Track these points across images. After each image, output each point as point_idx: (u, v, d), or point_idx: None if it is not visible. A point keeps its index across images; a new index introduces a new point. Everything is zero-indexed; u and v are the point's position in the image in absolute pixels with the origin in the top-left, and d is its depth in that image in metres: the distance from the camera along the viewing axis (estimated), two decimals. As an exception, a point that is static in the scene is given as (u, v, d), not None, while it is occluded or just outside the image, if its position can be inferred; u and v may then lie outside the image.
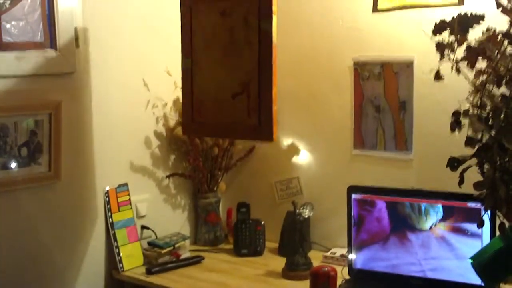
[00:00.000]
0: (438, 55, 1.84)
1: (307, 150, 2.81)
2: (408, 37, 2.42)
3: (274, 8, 2.24)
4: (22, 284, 2.34)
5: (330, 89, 2.69)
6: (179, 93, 2.82)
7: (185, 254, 2.74)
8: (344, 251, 2.51)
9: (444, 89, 2.21)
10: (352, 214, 2.31)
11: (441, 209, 2.17)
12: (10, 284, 2.30)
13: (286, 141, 2.86)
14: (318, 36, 2.69)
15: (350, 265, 2.32)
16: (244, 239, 2.77)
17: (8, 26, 2.25)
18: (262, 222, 2.78)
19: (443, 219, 2.17)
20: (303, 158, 2.82)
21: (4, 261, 2.28)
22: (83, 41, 2.47)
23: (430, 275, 2.18)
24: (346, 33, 2.60)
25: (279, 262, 2.57)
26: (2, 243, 2.27)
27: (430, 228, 2.18)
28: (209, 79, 2.43)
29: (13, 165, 2.29)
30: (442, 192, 2.17)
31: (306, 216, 2.57)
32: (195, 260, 2.69)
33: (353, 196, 2.31)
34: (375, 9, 2.49)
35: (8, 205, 2.29)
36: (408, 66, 2.43)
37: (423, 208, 2.19)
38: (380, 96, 2.52)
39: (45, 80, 2.38)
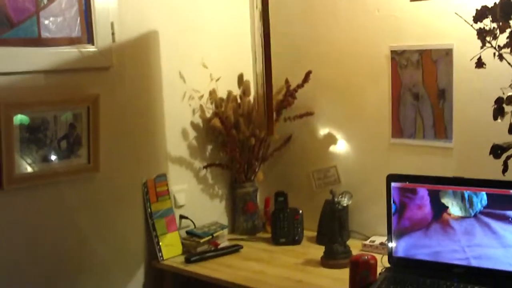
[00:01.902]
0: (478, 42, 1.82)
1: (344, 139, 2.80)
2: (447, 25, 2.38)
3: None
4: (63, 275, 2.39)
5: (367, 78, 2.67)
6: (214, 85, 2.84)
7: (224, 243, 2.76)
8: (383, 239, 2.50)
9: (484, 77, 2.17)
10: (393, 201, 2.29)
11: (485, 197, 2.13)
12: (51, 274, 2.35)
13: (323, 131, 2.85)
14: (355, 26, 2.67)
15: (390, 253, 2.30)
16: (282, 228, 2.77)
17: (46, 22, 2.28)
18: (300, 211, 2.78)
19: (487, 206, 2.13)
20: (341, 147, 2.81)
21: (46, 252, 2.33)
22: (119, 35, 2.49)
23: (475, 263, 2.14)
24: (383, 22, 2.57)
25: (318, 251, 2.57)
26: (44, 234, 2.32)
27: (474, 215, 2.15)
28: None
29: (54, 157, 2.33)
30: (485, 180, 2.13)
31: (345, 205, 2.56)
32: (234, 249, 2.70)
33: (393, 184, 2.29)
34: (413, -3, 2.47)
35: (49, 197, 2.33)
36: (447, 53, 2.39)
37: (466, 196, 2.16)
38: (419, 84, 2.49)
39: (83, 75, 2.41)
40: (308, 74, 2.77)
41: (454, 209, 2.19)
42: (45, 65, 2.28)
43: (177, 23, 2.73)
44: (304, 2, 2.81)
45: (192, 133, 2.83)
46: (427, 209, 2.24)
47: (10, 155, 2.16)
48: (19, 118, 2.18)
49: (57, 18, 2.31)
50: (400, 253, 2.29)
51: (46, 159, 2.30)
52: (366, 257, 2.16)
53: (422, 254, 2.25)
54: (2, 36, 2.16)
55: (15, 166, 2.19)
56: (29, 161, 2.24)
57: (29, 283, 2.29)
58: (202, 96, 2.84)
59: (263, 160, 2.96)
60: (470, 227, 2.16)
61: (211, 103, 2.86)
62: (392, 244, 2.29)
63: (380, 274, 2.22)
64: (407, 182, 2.28)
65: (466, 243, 2.17)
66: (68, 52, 2.34)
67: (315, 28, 2.81)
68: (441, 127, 2.47)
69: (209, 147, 2.91)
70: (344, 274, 2.26)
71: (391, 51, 2.56)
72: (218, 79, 2.83)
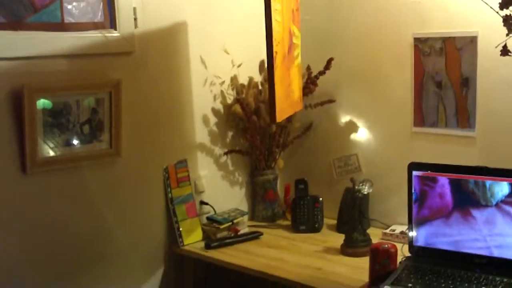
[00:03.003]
0: (504, 30, 1.79)
1: (365, 127, 2.79)
2: (471, 12, 2.35)
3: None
4: (84, 258, 2.41)
5: (390, 66, 2.65)
6: (236, 71, 2.84)
7: (243, 230, 2.77)
8: (403, 228, 2.49)
9: (509, 65, 2.14)
10: (414, 190, 2.27)
11: (507, 186, 2.11)
12: (72, 258, 2.38)
13: (344, 118, 2.84)
14: (378, 13, 2.65)
15: (410, 242, 2.29)
16: (302, 216, 2.77)
17: (69, 7, 2.29)
18: (320, 199, 2.78)
19: (509, 196, 2.10)
20: (362, 135, 2.80)
21: (68, 236, 2.35)
22: (141, 21, 2.49)
23: (496, 253, 2.12)
24: (406, 9, 2.55)
25: (338, 239, 2.57)
26: (66, 218, 2.34)
27: (496, 204, 2.13)
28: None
29: (76, 142, 2.34)
30: (508, 169, 2.10)
31: (365, 193, 2.55)
32: (253, 236, 2.71)
33: (414, 173, 2.27)
34: (437, -16, 2.43)
35: (71, 181, 2.35)
36: (471, 41, 2.36)
37: (487, 185, 2.14)
38: (442, 72, 2.47)
39: (105, 60, 2.42)
40: (330, 61, 2.76)
41: (476, 198, 2.17)
42: (67, 49, 2.29)
43: (199, 8, 2.72)
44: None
45: (213, 119, 2.83)
46: (448, 197, 2.22)
47: (33, 139, 2.18)
48: (42, 103, 2.20)
49: (80, 3, 2.31)
50: (421, 242, 2.28)
51: (68, 144, 2.32)
52: (386, 245, 2.15)
53: (443, 243, 2.24)
54: (26, 21, 2.18)
55: (38, 150, 2.21)
56: (51, 145, 2.26)
57: (50, 266, 2.31)
58: (223, 82, 2.84)
59: (283, 147, 2.96)
60: (492, 217, 2.14)
61: (232, 89, 2.86)
62: (412, 233, 2.28)
63: (400, 263, 2.21)
64: (429, 171, 2.26)
65: (487, 233, 2.15)
66: (90, 37, 2.35)
67: (337, 15, 2.79)
68: (464, 116, 2.44)
69: (230, 134, 2.92)
70: (364, 262, 2.26)
71: (414, 38, 2.53)
72: (239, 65, 2.83)
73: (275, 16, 2.22)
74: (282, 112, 2.38)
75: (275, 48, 2.23)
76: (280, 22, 2.30)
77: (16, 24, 2.15)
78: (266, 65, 2.89)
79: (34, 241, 2.25)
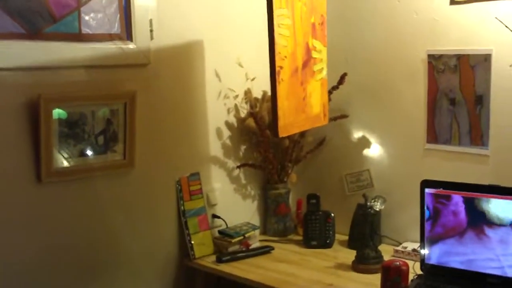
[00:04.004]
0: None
1: (378, 143, 2.78)
2: (486, 29, 2.35)
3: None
4: (96, 268, 2.42)
5: (403, 82, 2.65)
6: (250, 85, 2.85)
7: (255, 244, 2.76)
8: (415, 245, 2.47)
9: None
10: (426, 207, 2.27)
11: (521, 206, 2.10)
12: (84, 268, 2.38)
13: (357, 134, 2.84)
14: (392, 28, 2.65)
15: (422, 260, 2.28)
16: (314, 231, 2.77)
17: (87, 18, 2.31)
18: (332, 214, 2.77)
19: (524, 216, 2.10)
20: (374, 151, 2.80)
21: (80, 245, 2.36)
22: (157, 33, 2.51)
23: (510, 273, 2.10)
24: (421, 26, 2.55)
25: (349, 255, 2.56)
26: (79, 228, 2.35)
27: (510, 224, 2.12)
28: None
29: (90, 152, 2.36)
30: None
31: (378, 209, 2.55)
32: (265, 250, 2.71)
33: (427, 190, 2.27)
34: (452, 1, 2.43)
35: (85, 191, 2.36)
36: (485, 59, 2.36)
37: (502, 204, 2.12)
38: (456, 89, 2.46)
39: (121, 71, 2.43)
40: (343, 76, 2.76)
41: (490, 217, 2.16)
42: (84, 60, 2.31)
43: (214, 22, 2.74)
44: (340, 4, 2.80)
45: (226, 133, 2.84)
46: (461, 215, 2.21)
47: (49, 149, 2.20)
48: (57, 112, 2.22)
49: (97, 14, 2.34)
50: (433, 260, 2.26)
51: (83, 154, 2.33)
52: (398, 263, 2.14)
53: (455, 262, 2.23)
54: (44, 31, 2.20)
55: (53, 160, 2.23)
56: (66, 155, 2.27)
57: (62, 275, 2.32)
58: (237, 96, 2.85)
59: (296, 162, 2.96)
60: (506, 236, 2.13)
61: (246, 103, 2.87)
62: (424, 251, 2.27)
63: (412, 281, 2.20)
64: (442, 189, 2.25)
65: (501, 252, 2.14)
66: (107, 48, 2.37)
67: (351, 30, 2.80)
68: (477, 134, 2.43)
69: (243, 147, 2.92)
70: (375, 279, 2.25)
71: (428, 55, 2.53)
72: (253, 79, 2.84)
73: (280, 31, 2.24)
74: (289, 127, 2.37)
75: (279, 63, 2.25)
76: (290, 37, 2.31)
77: (34, 34, 2.18)
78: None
79: (46, 249, 2.26)
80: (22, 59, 2.14)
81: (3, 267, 2.16)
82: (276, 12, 2.20)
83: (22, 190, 2.19)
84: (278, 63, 2.23)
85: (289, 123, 2.36)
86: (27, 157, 2.18)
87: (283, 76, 2.28)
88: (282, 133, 2.33)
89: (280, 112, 2.27)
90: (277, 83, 2.24)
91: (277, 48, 2.23)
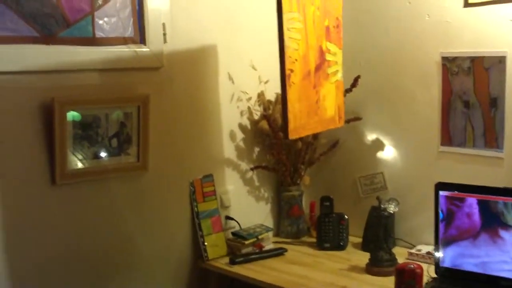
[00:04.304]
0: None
1: (392, 145, 2.77)
2: (500, 32, 2.33)
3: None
4: (109, 270, 2.43)
5: (416, 85, 2.64)
6: (263, 87, 2.85)
7: (268, 246, 2.77)
8: (430, 248, 2.47)
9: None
10: (441, 209, 2.26)
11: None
12: (97, 269, 2.40)
13: (370, 136, 2.84)
14: (405, 31, 2.65)
15: (437, 263, 2.27)
16: (327, 233, 2.76)
17: (100, 22, 2.33)
18: (346, 217, 2.77)
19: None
20: (388, 153, 2.79)
21: (93, 246, 2.38)
22: (170, 36, 2.52)
23: (524, 276, 2.10)
24: (434, 28, 2.54)
25: (363, 257, 2.55)
26: (92, 229, 2.37)
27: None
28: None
29: (104, 155, 2.37)
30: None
31: (392, 212, 2.54)
32: (278, 252, 2.71)
33: (441, 193, 2.26)
34: (466, 3, 2.42)
35: (98, 193, 2.38)
36: (500, 61, 2.34)
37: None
38: (470, 92, 2.45)
39: (134, 74, 2.45)
40: (357, 79, 2.76)
41: (504, 219, 2.14)
42: (98, 63, 2.33)
43: (227, 25, 2.75)
44: (353, 7, 2.79)
45: (239, 135, 2.85)
46: (475, 218, 2.20)
47: (63, 151, 2.22)
48: (72, 115, 2.23)
49: (111, 18, 2.35)
50: (447, 263, 2.25)
51: (96, 156, 2.35)
52: (412, 265, 2.13)
53: (470, 264, 2.22)
54: (58, 35, 2.22)
55: (67, 162, 2.24)
56: (80, 157, 2.29)
57: (75, 276, 2.33)
58: (250, 98, 2.85)
59: (309, 164, 2.96)
60: (521, 238, 2.12)
61: (259, 105, 2.88)
62: (439, 254, 2.26)
63: (426, 284, 2.19)
64: (456, 191, 2.24)
65: (516, 255, 2.13)
66: (120, 52, 2.38)
67: (364, 33, 2.80)
68: (492, 136, 2.42)
69: (256, 149, 2.93)
70: (389, 282, 2.24)
71: (442, 57, 2.52)
72: (266, 82, 2.84)
73: (290, 34, 2.25)
74: (300, 129, 2.38)
75: (290, 66, 2.26)
76: (301, 40, 2.31)
77: (48, 38, 2.20)
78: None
79: (60, 250, 2.28)
80: (36, 63, 2.17)
81: (18, 269, 2.18)
82: (286, 16, 2.22)
83: (36, 192, 2.21)
84: (288, 66, 2.24)
85: (300, 126, 2.36)
86: (42, 159, 2.20)
87: (294, 79, 2.28)
88: (293, 135, 2.34)
89: (290, 115, 2.28)
90: (287, 86, 2.25)
91: (287, 52, 2.24)
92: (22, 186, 2.17)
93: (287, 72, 2.24)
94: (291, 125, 2.30)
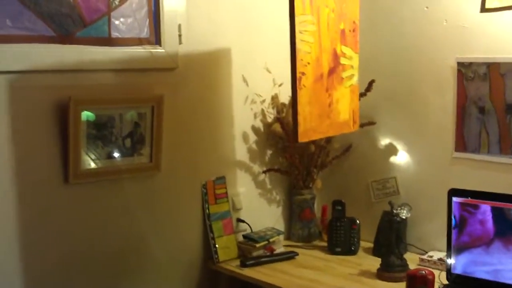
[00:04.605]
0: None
1: (405, 150, 2.76)
2: (517, 38, 2.33)
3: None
4: (120, 268, 2.44)
5: (431, 90, 2.63)
6: (277, 90, 2.85)
7: (279, 249, 2.76)
8: (441, 254, 2.45)
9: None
10: (453, 215, 2.24)
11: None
12: (109, 268, 2.41)
13: (384, 141, 2.83)
14: (420, 36, 2.63)
15: (448, 269, 2.26)
16: (339, 237, 2.75)
17: (117, 22, 2.34)
18: (358, 221, 2.76)
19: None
20: (401, 158, 2.78)
21: (105, 246, 2.39)
22: (185, 37, 2.53)
23: (537, 285, 2.09)
24: (450, 33, 2.53)
25: (374, 262, 2.54)
26: (105, 229, 2.38)
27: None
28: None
29: (117, 155, 2.38)
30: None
31: (404, 217, 2.52)
32: (289, 256, 2.70)
33: (454, 199, 2.25)
34: (483, 8, 2.41)
35: (111, 193, 2.39)
36: (516, 67, 2.33)
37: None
38: (485, 97, 2.43)
39: (149, 75, 2.46)
40: (371, 83, 2.75)
41: (518, 227, 2.13)
42: (113, 64, 2.34)
43: (242, 27, 2.75)
44: (369, 11, 2.78)
45: (252, 137, 2.85)
46: (489, 225, 2.19)
47: (77, 150, 2.23)
48: (86, 115, 2.24)
49: (127, 19, 2.36)
50: (459, 270, 2.24)
51: (110, 156, 2.36)
52: (424, 272, 2.13)
53: (482, 272, 2.20)
54: (75, 35, 2.23)
55: (81, 161, 2.25)
56: (93, 157, 2.30)
57: (87, 275, 2.34)
58: (264, 101, 2.85)
59: (322, 168, 2.95)
60: (534, 247, 2.10)
61: (273, 108, 2.88)
62: (451, 261, 2.25)
63: (437, 290, 2.18)
64: (469, 198, 2.23)
65: (529, 264, 2.11)
66: (136, 52, 2.39)
67: (379, 37, 2.79)
68: (507, 143, 2.40)
69: (269, 152, 2.92)
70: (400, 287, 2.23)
71: (458, 62, 2.51)
72: (280, 85, 2.84)
73: (302, 37, 2.24)
74: (310, 132, 2.37)
75: (301, 69, 2.25)
76: (314, 43, 2.31)
77: (65, 38, 2.21)
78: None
79: (73, 249, 2.30)
80: (52, 62, 2.18)
81: (30, 269, 2.19)
82: (298, 19, 2.21)
83: (49, 191, 2.22)
84: (299, 69, 2.24)
85: (310, 129, 2.35)
86: (55, 158, 2.22)
87: (305, 82, 2.28)
88: (302, 139, 2.33)
89: (300, 118, 2.27)
90: (298, 89, 2.24)
91: (299, 55, 2.23)
92: (35, 185, 2.19)
93: (298, 75, 2.24)
94: (301, 128, 2.29)
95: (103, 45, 2.31)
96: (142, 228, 2.48)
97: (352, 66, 2.56)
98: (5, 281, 2.16)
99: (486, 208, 2.19)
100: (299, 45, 2.23)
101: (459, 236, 2.24)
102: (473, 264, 2.22)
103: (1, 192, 2.12)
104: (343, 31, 2.49)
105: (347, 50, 2.52)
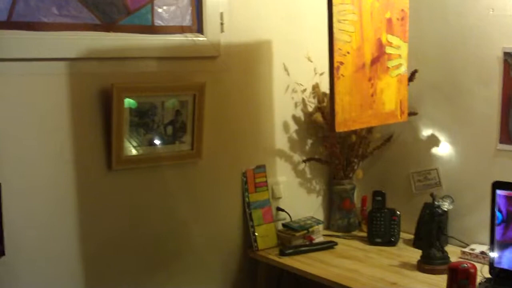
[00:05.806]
0: None
1: (448, 142, 2.72)
2: None
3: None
4: (161, 254, 2.48)
5: (475, 80, 2.58)
6: (318, 79, 2.83)
7: (318, 239, 2.75)
8: (484, 248, 2.42)
9: None
10: (499, 210, 2.20)
11: None
12: (149, 254, 2.44)
13: (426, 132, 2.79)
14: (465, 25, 2.58)
15: (492, 263, 2.22)
16: (379, 228, 2.73)
17: (160, 10, 2.35)
18: (398, 212, 2.73)
19: None
20: (443, 150, 2.74)
21: (146, 232, 2.42)
22: (227, 26, 2.53)
23: None
24: (496, 23, 2.47)
25: (414, 254, 2.52)
26: (146, 215, 2.41)
27: None
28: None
29: (159, 142, 2.40)
30: None
31: (446, 209, 2.49)
32: (328, 245, 2.70)
33: (498, 192, 2.21)
34: (532, -4, 2.36)
35: (153, 180, 2.42)
36: None
37: None
38: (532, 89, 2.39)
39: (191, 63, 2.47)
40: (414, 73, 2.71)
41: None
42: (155, 52, 2.36)
43: (284, 16, 2.74)
44: (413, 1, 2.74)
45: (293, 126, 2.84)
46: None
47: (120, 137, 2.25)
48: (128, 102, 2.26)
49: (170, 7, 2.37)
50: (503, 265, 2.20)
51: (151, 143, 2.38)
52: (466, 265, 2.09)
53: (527, 267, 2.16)
54: (119, 23, 2.26)
55: (124, 148, 2.28)
56: (135, 144, 2.33)
57: (128, 260, 2.38)
58: (305, 90, 2.84)
59: (362, 158, 2.93)
60: None
61: (314, 97, 2.86)
62: (494, 254, 2.21)
63: (480, 284, 2.15)
64: (515, 191, 2.19)
65: None
66: (178, 40, 2.41)
67: (423, 27, 2.74)
68: (553, 136, 2.36)
69: (309, 141, 2.91)
70: (441, 280, 2.21)
71: (504, 52, 2.46)
72: (322, 74, 2.82)
73: (341, 26, 2.23)
74: (349, 122, 2.35)
75: (339, 58, 2.24)
76: (355, 32, 2.29)
77: (109, 25, 2.24)
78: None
79: (115, 234, 2.34)
80: (97, 49, 2.21)
81: (73, 254, 2.25)
82: (336, 8, 2.20)
83: (93, 177, 2.26)
84: (337, 58, 2.23)
85: (349, 119, 2.34)
86: (99, 145, 2.26)
87: (344, 71, 2.26)
88: (340, 128, 2.31)
89: (338, 107, 2.26)
90: (335, 79, 2.23)
91: (337, 44, 2.22)
92: (80, 171, 2.23)
93: (336, 64, 2.23)
94: (339, 118, 2.28)
95: (146, 33, 2.33)
96: (182, 214, 2.51)
97: (400, 55, 2.53)
98: (63, 255, 2.23)
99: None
100: (337, 34, 2.22)
101: (505, 231, 2.19)
102: (518, 258, 2.18)
103: (52, 179, 2.18)
104: (389, 20, 2.46)
105: (394, 39, 2.49)
